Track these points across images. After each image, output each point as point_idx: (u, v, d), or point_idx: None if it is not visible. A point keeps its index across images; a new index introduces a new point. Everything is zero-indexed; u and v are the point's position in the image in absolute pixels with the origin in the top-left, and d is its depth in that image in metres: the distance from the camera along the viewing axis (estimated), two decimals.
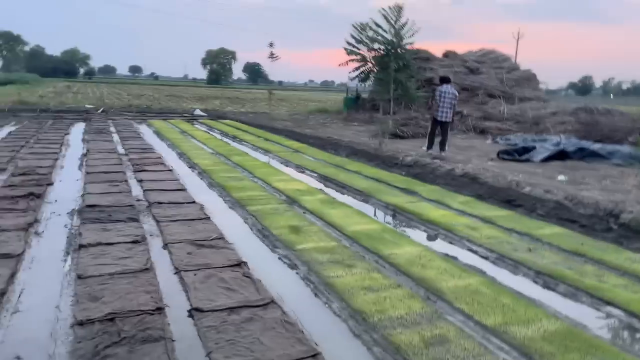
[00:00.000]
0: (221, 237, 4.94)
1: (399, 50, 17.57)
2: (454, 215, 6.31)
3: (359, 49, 18.24)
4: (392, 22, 17.18)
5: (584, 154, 10.11)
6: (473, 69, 20.69)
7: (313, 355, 2.82)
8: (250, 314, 3.30)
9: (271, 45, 23.80)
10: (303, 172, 9.37)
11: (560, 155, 10.18)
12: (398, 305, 3.53)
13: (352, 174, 9.12)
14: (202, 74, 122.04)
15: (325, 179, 8.69)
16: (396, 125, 15.51)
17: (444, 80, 11.17)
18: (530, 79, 21.50)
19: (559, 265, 4.56)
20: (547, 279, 4.33)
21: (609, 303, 3.85)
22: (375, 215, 6.54)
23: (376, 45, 17.95)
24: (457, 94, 11.08)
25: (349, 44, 18.24)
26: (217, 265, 4.15)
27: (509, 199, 7.23)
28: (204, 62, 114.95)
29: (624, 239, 5.63)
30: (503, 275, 4.42)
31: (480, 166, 9.75)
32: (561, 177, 8.51)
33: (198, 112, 24.49)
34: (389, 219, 6.43)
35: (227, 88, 79.77)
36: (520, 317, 3.45)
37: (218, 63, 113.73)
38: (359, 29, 17.95)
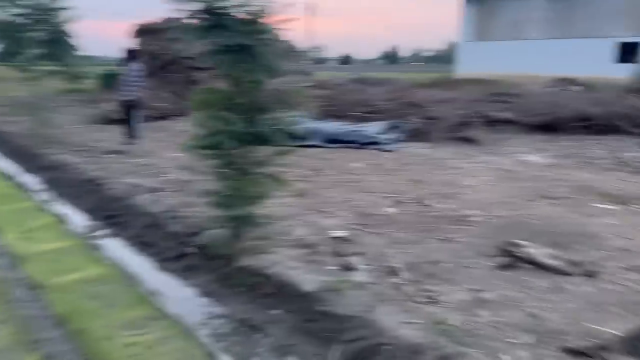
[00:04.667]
0: None
1: None
2: None
3: None
4: None
5: None
6: None
7: None
8: None
9: None
10: None
11: None
12: None
13: None
14: None
15: None
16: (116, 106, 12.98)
17: (131, 54, 9.19)
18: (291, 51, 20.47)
19: None
20: None
21: None
22: None
23: None
24: (142, 67, 9.14)
25: None
26: None
27: (115, 213, 5.49)
28: None
29: (189, 272, 4.18)
30: None
31: (155, 160, 7.97)
32: None
33: None
34: None
35: None
36: None
37: None
38: None
